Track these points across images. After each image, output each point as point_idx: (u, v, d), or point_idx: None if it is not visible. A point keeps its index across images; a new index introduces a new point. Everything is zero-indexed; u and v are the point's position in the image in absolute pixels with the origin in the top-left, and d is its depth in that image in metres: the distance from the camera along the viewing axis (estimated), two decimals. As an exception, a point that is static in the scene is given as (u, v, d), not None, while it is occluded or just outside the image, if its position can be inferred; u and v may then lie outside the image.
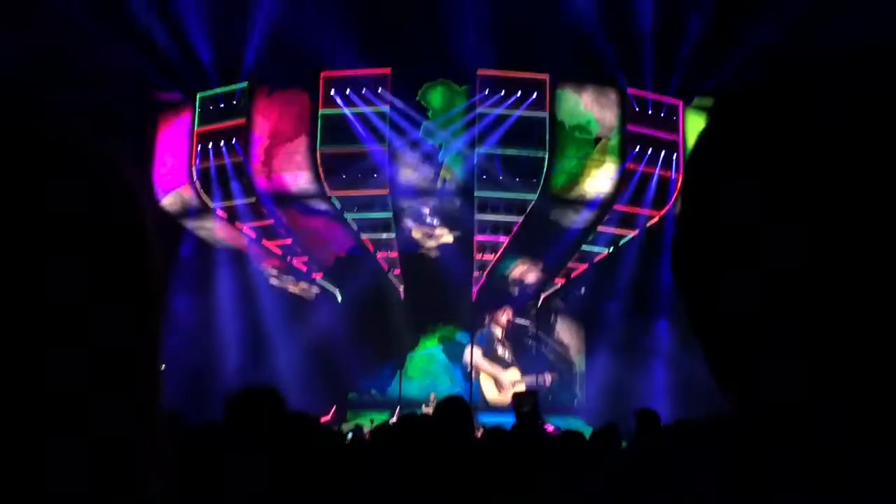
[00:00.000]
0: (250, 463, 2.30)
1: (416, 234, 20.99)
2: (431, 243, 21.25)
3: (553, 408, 19.32)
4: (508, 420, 5.86)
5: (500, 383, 20.37)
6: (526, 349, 21.93)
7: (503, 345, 20.68)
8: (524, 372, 21.41)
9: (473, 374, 20.42)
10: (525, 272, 21.29)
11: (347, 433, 10.87)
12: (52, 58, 16.03)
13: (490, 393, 20.37)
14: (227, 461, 2.25)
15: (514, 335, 21.19)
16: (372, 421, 15.16)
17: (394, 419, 14.87)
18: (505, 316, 21.05)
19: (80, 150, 0.50)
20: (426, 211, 20.70)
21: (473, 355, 20.45)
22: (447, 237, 21.10)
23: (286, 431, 2.33)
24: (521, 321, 21.31)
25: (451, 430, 3.16)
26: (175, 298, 18.02)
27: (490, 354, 20.89)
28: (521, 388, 19.70)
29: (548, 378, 20.40)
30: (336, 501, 2.34)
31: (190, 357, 19.15)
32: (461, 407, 3.70)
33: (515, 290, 21.18)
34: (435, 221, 20.90)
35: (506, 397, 19.71)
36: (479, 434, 7.19)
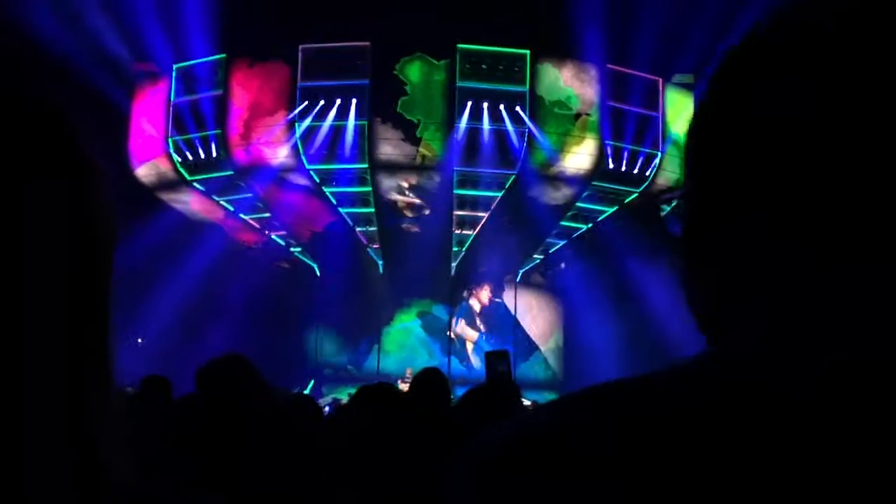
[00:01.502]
0: (225, 430, 2.30)
1: (398, 204, 20.92)
2: (410, 214, 21.24)
3: (530, 384, 19.44)
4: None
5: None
6: (501, 325, 22.05)
7: (480, 318, 20.70)
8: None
9: (455, 342, 20.38)
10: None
11: (325, 406, 10.88)
12: (28, 24, 15.78)
13: (476, 363, 20.33)
14: (205, 429, 2.25)
15: (490, 312, 21.23)
16: (349, 395, 15.24)
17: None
18: (485, 293, 21.08)
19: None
20: (405, 185, 20.65)
21: (456, 324, 20.44)
22: (426, 210, 21.09)
23: (260, 397, 2.33)
24: (499, 300, 21.37)
25: (427, 401, 3.17)
26: (158, 273, 17.91)
27: (469, 327, 20.95)
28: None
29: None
30: (315, 465, 2.35)
31: (174, 331, 19.11)
32: (438, 379, 3.70)
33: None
34: (413, 195, 20.87)
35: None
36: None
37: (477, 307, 21.11)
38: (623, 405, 0.50)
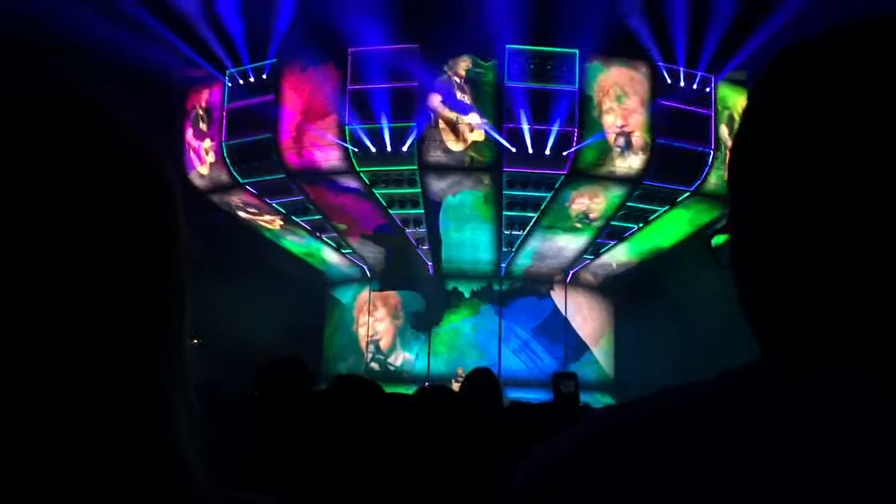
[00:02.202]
0: (279, 427, 2.34)
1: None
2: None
3: (582, 385, 19.27)
4: (535, 397, 5.86)
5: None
6: (551, 325, 21.93)
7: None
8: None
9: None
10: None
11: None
12: (80, 34, 16.14)
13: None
14: (261, 426, 2.29)
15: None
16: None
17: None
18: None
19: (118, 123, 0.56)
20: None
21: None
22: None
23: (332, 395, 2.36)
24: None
25: (479, 400, 3.18)
26: (209, 276, 18.18)
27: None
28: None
29: None
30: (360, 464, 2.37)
31: (226, 334, 19.36)
32: (489, 378, 3.71)
33: None
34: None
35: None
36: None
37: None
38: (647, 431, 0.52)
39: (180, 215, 0.58)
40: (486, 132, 19.32)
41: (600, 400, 17.91)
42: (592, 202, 20.42)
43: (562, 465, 0.52)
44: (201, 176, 21.30)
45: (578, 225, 20.97)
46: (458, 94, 19.52)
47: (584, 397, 4.58)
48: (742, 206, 0.57)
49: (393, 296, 22.55)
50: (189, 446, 0.56)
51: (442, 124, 19.40)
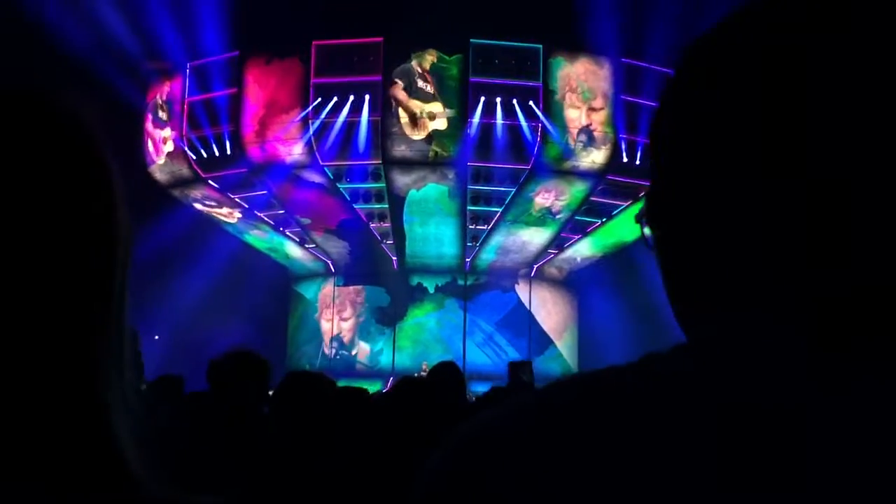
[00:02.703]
0: (234, 424, 2.30)
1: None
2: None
3: (546, 379, 19.42)
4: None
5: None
6: (515, 319, 22.04)
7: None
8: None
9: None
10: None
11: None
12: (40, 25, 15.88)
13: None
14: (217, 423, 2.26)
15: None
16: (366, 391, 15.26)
17: (387, 388, 14.92)
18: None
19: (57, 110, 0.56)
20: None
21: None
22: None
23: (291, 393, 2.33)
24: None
25: (444, 391, 3.17)
26: (172, 271, 18.03)
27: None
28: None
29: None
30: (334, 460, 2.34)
31: (190, 331, 19.23)
32: (453, 371, 3.71)
33: None
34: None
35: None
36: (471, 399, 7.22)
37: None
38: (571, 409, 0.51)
39: (118, 199, 0.56)
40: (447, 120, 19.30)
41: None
42: (557, 197, 20.55)
43: (482, 449, 0.50)
44: (161, 168, 21.05)
45: (542, 219, 21.09)
46: (421, 83, 19.51)
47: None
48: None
49: (357, 291, 22.50)
50: (128, 444, 0.55)
51: (402, 113, 19.36)
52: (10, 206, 0.50)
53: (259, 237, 23.01)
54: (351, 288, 22.51)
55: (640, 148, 19.73)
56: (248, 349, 2.51)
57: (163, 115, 21.11)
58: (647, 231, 0.58)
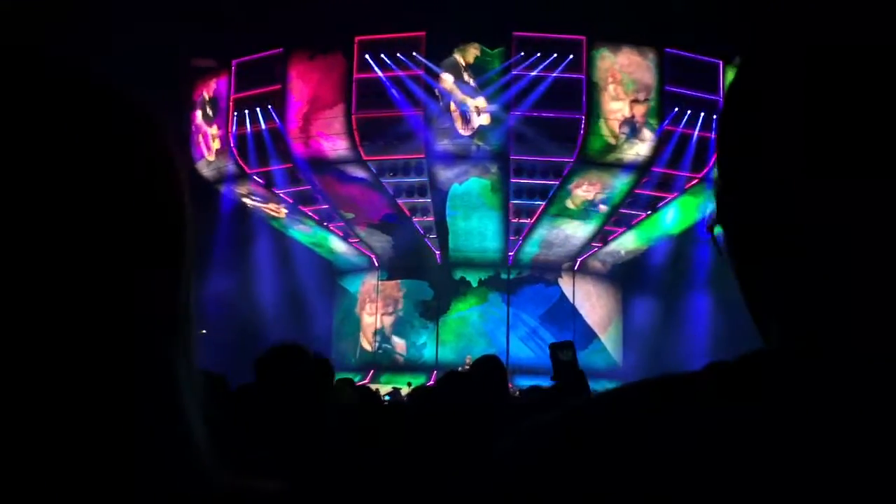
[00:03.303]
0: (284, 420, 2.33)
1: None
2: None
3: (590, 373, 19.30)
4: (544, 384, 5.85)
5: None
6: (559, 312, 21.92)
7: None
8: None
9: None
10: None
11: (384, 396, 10.96)
12: (88, 24, 16.14)
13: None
14: (262, 419, 2.29)
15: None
16: (409, 384, 15.29)
17: (431, 382, 14.97)
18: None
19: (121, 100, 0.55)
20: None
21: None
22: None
23: (319, 387, 2.35)
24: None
25: (488, 386, 3.18)
26: (216, 270, 18.26)
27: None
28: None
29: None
30: (377, 458, 2.36)
31: (232, 326, 19.44)
32: (496, 365, 3.71)
33: None
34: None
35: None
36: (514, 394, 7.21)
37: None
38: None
39: (187, 197, 0.57)
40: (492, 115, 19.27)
41: (608, 388, 17.92)
42: (599, 189, 20.38)
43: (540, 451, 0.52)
44: (209, 164, 21.33)
45: (585, 212, 20.92)
46: (466, 78, 19.50)
47: (593, 385, 4.52)
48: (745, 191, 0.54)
49: (400, 285, 22.58)
50: (200, 431, 0.55)
51: (453, 107, 19.37)
52: (100, 201, 0.49)
53: (304, 232, 23.20)
54: (392, 282, 22.61)
55: (689, 141, 19.47)
56: (294, 343, 2.53)
57: (209, 111, 21.39)
58: (717, 232, 0.57)
